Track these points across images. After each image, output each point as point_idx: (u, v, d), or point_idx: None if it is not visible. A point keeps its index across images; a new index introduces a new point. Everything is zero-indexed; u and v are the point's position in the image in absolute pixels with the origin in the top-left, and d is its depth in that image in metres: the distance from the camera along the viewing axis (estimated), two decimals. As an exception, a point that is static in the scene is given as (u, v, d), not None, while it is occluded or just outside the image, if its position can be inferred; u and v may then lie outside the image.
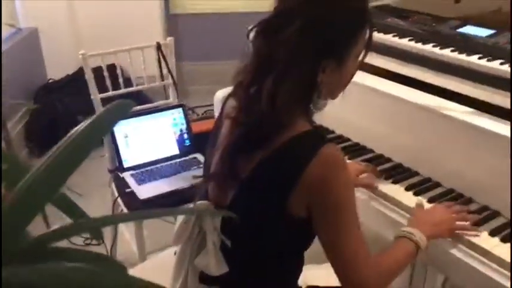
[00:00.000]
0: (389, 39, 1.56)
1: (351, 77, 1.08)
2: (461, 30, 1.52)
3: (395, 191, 1.36)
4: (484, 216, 1.23)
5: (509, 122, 1.23)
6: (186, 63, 3.89)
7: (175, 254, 1.19)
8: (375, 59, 1.59)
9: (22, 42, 3.26)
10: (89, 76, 1.92)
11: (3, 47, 3.04)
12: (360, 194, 1.38)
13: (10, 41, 3.15)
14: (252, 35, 1.03)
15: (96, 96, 1.94)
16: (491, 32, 1.47)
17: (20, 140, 3.04)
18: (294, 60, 0.97)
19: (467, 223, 1.20)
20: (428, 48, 1.45)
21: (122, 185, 1.93)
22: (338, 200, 1.00)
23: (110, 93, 2.00)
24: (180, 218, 1.12)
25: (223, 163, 1.06)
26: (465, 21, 1.58)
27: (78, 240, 2.38)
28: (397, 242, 1.12)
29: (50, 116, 3.07)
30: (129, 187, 1.89)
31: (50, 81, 3.37)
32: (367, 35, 1.05)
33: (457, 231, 1.18)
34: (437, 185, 1.36)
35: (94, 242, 2.33)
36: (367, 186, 1.40)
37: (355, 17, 1.02)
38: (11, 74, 3.03)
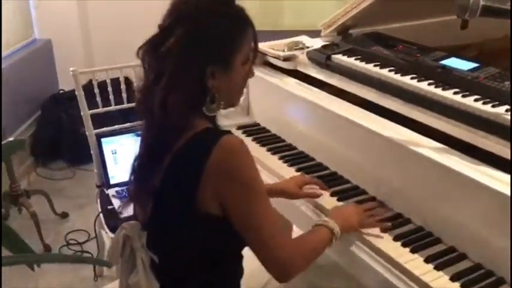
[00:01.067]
0: (370, 68, 1.52)
1: (243, 82, 1.14)
2: (444, 62, 1.48)
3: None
4: (450, 258, 1.18)
5: (482, 164, 1.19)
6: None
7: None
8: (355, 88, 1.57)
9: (36, 53, 3.35)
10: (79, 92, 1.95)
11: (19, 56, 3.13)
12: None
13: (25, 51, 3.24)
14: (141, 54, 1.09)
15: (85, 112, 1.97)
16: (474, 65, 1.43)
17: (26, 149, 3.10)
18: (179, 68, 1.03)
19: (375, 219, 1.29)
20: (407, 80, 1.41)
21: (105, 201, 1.94)
22: (244, 184, 1.04)
23: (101, 109, 2.02)
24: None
25: (136, 181, 1.13)
26: (451, 53, 1.53)
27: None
28: (314, 228, 1.21)
29: (55, 127, 3.13)
30: (112, 204, 1.90)
31: (61, 91, 3.44)
32: (252, 41, 1.10)
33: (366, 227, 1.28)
34: (408, 221, 1.32)
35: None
36: (310, 196, 1.42)
37: (232, 24, 1.08)
38: (23, 82, 3.11)
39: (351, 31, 1.99)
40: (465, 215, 1.17)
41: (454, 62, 1.47)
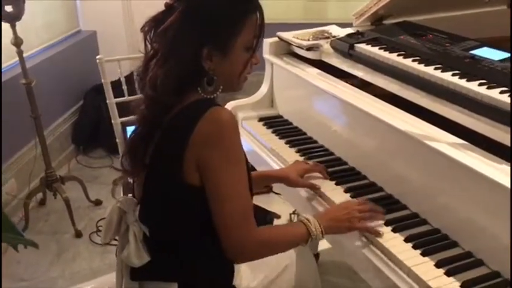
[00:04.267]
0: (393, 58, 1.43)
1: (244, 68, 1.09)
2: (474, 52, 1.36)
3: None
4: (465, 263, 1.09)
5: (504, 162, 1.08)
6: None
7: None
8: (378, 79, 1.48)
9: (80, 43, 3.43)
10: (106, 80, 1.97)
11: (64, 46, 3.23)
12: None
13: (70, 41, 3.34)
14: (144, 31, 1.09)
15: (111, 100, 1.98)
16: (506, 55, 1.30)
17: (67, 137, 3.20)
18: (173, 46, 1.03)
19: (371, 224, 1.18)
20: (429, 71, 1.31)
21: (128, 188, 1.95)
22: (224, 151, 1.02)
23: (126, 98, 2.03)
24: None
25: (130, 155, 1.13)
26: (484, 42, 1.41)
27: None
28: (294, 223, 1.18)
29: (95, 116, 3.20)
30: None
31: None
32: (257, 26, 1.06)
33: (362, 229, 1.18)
34: (424, 222, 1.23)
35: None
36: (311, 186, 1.38)
37: (236, 7, 1.04)
38: (67, 72, 3.20)
39: (385, 22, 1.89)
40: (484, 218, 1.07)
41: (485, 52, 1.35)
